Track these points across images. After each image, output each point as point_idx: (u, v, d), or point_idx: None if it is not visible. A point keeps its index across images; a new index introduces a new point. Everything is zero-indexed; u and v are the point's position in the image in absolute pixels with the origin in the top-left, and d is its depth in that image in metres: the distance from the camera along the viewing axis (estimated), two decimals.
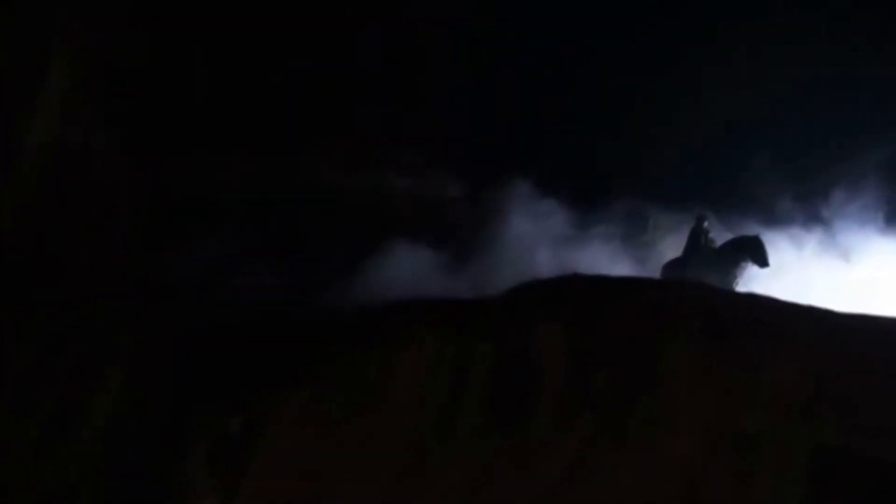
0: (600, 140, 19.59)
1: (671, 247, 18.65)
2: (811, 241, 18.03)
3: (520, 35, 19.56)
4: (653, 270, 17.67)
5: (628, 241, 18.83)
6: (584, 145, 19.49)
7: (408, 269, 16.31)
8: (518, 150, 19.10)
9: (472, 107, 19.04)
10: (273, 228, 16.44)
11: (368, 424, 11.03)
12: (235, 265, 14.68)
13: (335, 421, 11.12)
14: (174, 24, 15.16)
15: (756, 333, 10.27)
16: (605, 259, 17.62)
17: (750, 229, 17.64)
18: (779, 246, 17.13)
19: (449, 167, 19.17)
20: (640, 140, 19.91)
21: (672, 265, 16.61)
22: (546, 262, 17.43)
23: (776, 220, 18.28)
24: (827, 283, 16.16)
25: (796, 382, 9.87)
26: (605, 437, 10.31)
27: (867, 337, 10.04)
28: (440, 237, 17.97)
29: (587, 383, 10.63)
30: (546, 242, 18.17)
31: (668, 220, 19.62)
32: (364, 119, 18.08)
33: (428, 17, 18.88)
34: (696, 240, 16.58)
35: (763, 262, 15.82)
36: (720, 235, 17.28)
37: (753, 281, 15.80)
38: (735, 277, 15.75)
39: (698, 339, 10.45)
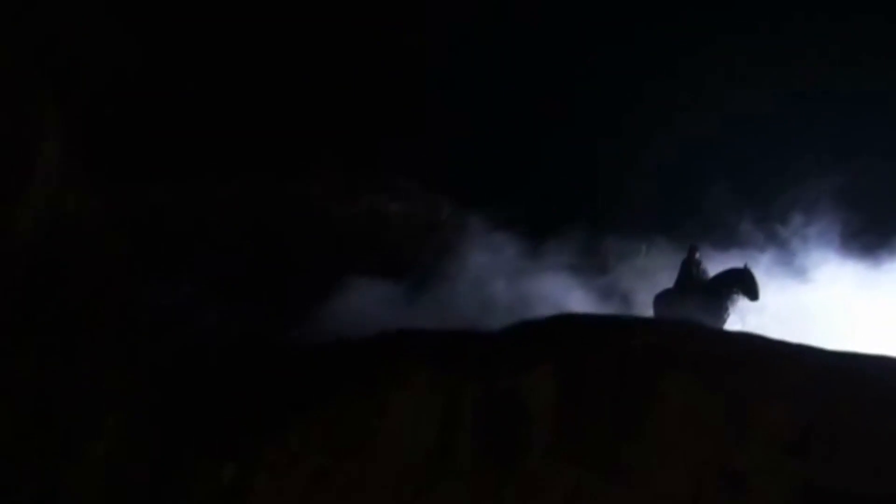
0: (555, 168, 19.67)
1: (626, 274, 18.84)
2: (768, 262, 18.01)
3: (478, 64, 19.62)
4: (613, 299, 17.83)
5: (585, 270, 18.81)
6: (538, 174, 19.55)
7: (367, 301, 16.19)
8: (473, 182, 19.08)
9: (434, 140, 18.94)
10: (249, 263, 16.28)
11: (363, 465, 10.95)
12: (216, 298, 14.46)
13: (329, 463, 11.05)
14: (163, 54, 14.97)
15: (747, 372, 10.40)
16: (561, 289, 17.57)
17: (707, 253, 17.81)
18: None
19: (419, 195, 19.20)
20: (595, 166, 20.01)
21: (663, 296, 16.16)
22: (501, 292, 17.45)
23: (733, 243, 18.34)
24: (784, 304, 16.31)
25: (787, 421, 9.98)
26: (598, 474, 10.43)
27: (856, 375, 10.11)
28: (398, 268, 17.91)
29: (580, 422, 10.71)
30: (501, 273, 18.03)
31: (625, 248, 19.82)
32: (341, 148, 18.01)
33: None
34: (688, 271, 16.21)
35: (754, 294, 15.55)
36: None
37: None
38: (727, 310, 15.51)
39: (690, 378, 10.63)
